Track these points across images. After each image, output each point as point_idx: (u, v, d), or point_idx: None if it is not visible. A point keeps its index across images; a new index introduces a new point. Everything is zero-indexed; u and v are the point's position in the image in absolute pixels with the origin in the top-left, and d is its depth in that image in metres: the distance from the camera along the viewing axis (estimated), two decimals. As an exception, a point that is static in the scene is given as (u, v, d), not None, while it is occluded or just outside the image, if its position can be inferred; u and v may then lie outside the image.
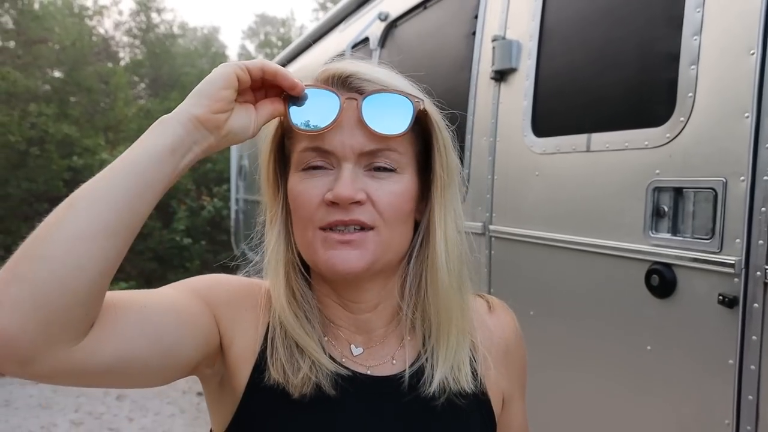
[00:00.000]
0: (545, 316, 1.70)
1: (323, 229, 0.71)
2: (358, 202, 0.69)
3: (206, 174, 9.07)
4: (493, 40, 1.90)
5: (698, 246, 1.26)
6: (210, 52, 14.57)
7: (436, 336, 0.78)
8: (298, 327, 0.74)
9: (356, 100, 0.70)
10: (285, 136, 0.78)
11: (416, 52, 2.53)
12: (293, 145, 0.75)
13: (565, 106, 1.67)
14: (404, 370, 0.78)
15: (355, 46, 2.99)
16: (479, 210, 1.95)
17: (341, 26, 3.77)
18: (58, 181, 7.38)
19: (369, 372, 0.78)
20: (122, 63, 12.45)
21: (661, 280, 1.32)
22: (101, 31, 12.18)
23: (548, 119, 1.72)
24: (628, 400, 1.43)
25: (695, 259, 1.26)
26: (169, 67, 12.34)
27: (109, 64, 10.87)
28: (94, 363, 0.59)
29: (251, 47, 21.52)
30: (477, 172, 1.97)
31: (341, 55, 0.72)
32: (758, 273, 1.15)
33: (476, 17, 2.08)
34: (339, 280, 0.76)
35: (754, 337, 1.16)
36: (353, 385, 0.75)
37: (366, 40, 2.99)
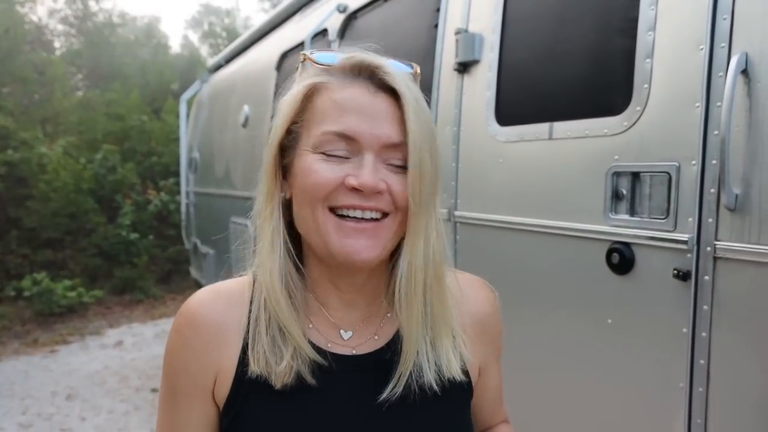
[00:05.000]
0: (511, 297, 1.79)
1: (333, 211, 0.72)
2: (378, 192, 0.71)
3: (152, 167, 8.83)
4: (456, 33, 1.96)
5: (654, 225, 1.37)
6: (152, 42, 14.12)
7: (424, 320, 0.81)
8: (286, 309, 0.76)
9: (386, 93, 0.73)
10: (297, 116, 0.77)
11: (377, 44, 2.57)
12: (310, 125, 0.75)
13: (528, 96, 1.76)
14: (385, 345, 0.82)
15: (314, 37, 3.00)
16: (444, 197, 2.02)
17: (297, 17, 3.77)
18: (-7, 176, 7.05)
19: (354, 351, 0.81)
20: (57, 52, 11.92)
21: (621, 258, 1.42)
22: (34, 18, 11.62)
23: (511, 109, 1.80)
24: (592, 369, 1.53)
25: (652, 238, 1.37)
26: (108, 57, 11.91)
27: (44, 54, 10.39)
28: None
29: (194, 37, 20.96)
30: (442, 161, 2.04)
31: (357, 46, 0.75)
32: (708, 248, 1.26)
33: (438, 10, 2.14)
34: (346, 266, 0.76)
35: (705, 307, 1.27)
36: (336, 368, 0.78)
37: (324, 31, 3.01)
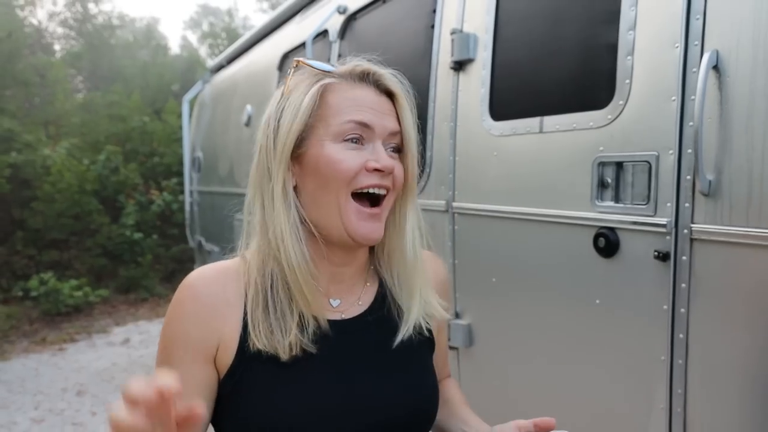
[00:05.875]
0: (506, 282, 1.90)
1: (354, 195, 0.86)
2: (390, 172, 0.88)
3: (154, 168, 8.92)
4: (452, 33, 2.06)
5: (637, 211, 1.47)
6: (151, 44, 14.20)
7: (399, 285, 0.97)
8: (307, 277, 0.86)
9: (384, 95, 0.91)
10: (318, 110, 0.88)
11: (376, 44, 2.68)
12: (327, 118, 0.87)
13: (520, 92, 1.86)
14: (367, 309, 0.95)
15: (315, 38, 3.10)
16: (442, 189, 2.13)
17: (297, 18, 3.87)
18: (-1, 178, 7.14)
19: (342, 316, 0.93)
20: (57, 55, 12.00)
21: (607, 242, 1.53)
22: (34, 21, 11.71)
23: (504, 105, 1.90)
24: (581, 346, 1.63)
25: (634, 222, 1.47)
26: (108, 59, 12.00)
27: (44, 57, 10.47)
28: None
29: (193, 38, 21.04)
30: (439, 155, 2.15)
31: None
32: (685, 231, 1.37)
33: (434, 11, 2.24)
34: (357, 244, 0.89)
35: (683, 285, 1.38)
36: (331, 332, 0.89)
37: (325, 32, 3.11)
